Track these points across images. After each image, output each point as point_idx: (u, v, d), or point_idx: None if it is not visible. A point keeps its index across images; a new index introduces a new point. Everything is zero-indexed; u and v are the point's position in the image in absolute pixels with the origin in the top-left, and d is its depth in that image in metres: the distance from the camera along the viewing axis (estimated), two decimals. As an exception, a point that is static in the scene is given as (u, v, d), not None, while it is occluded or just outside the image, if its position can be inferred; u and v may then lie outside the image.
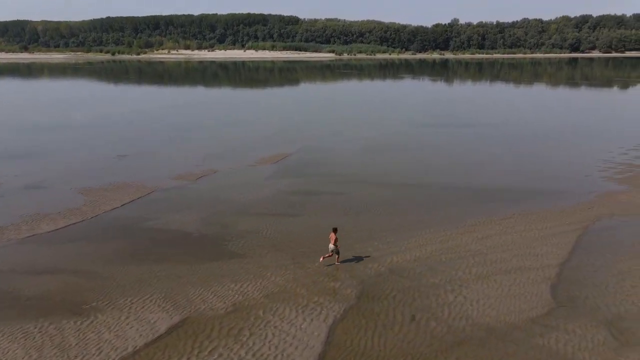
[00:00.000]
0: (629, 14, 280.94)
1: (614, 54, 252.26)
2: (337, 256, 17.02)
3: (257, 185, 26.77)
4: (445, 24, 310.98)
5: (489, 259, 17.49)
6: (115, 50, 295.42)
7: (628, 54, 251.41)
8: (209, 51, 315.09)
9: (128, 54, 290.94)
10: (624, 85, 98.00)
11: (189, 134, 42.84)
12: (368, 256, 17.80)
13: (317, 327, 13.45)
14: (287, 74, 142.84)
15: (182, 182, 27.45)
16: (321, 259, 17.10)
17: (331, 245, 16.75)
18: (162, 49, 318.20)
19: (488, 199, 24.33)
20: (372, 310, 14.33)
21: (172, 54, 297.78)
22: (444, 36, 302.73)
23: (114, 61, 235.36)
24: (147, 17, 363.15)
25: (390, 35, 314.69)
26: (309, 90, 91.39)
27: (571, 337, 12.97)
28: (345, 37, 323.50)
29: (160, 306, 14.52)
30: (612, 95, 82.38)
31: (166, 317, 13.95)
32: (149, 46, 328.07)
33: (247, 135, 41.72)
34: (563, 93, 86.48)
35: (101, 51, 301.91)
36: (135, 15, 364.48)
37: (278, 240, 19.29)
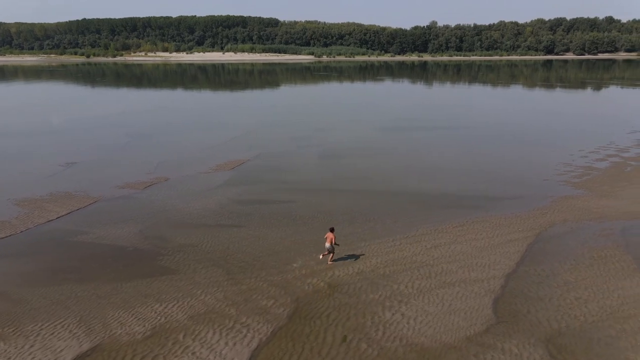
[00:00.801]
0: (601, 17, 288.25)
1: (586, 56, 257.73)
2: (331, 255, 17.20)
3: (206, 194, 25.63)
4: (423, 27, 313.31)
5: (434, 271, 16.75)
6: (90, 52, 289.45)
7: (600, 56, 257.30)
8: (187, 53, 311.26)
9: (104, 56, 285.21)
10: (596, 87, 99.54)
11: (148, 140, 41.38)
12: (309, 270, 16.89)
13: (239, 352, 12.46)
14: (265, 77, 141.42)
15: (128, 192, 26.14)
16: (321, 256, 17.47)
17: (327, 244, 16.87)
18: (140, 51, 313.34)
19: (442, 206, 23.67)
20: (302, 331, 13.41)
21: (150, 56, 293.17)
22: (423, 38, 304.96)
23: (89, 64, 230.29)
24: (125, 18, 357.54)
25: (370, 37, 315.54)
26: (285, 94, 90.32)
27: (507, 357, 12.25)
28: (325, 39, 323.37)
29: (72, 332, 13.34)
30: (582, 97, 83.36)
31: (75, 344, 12.78)
32: (126, 48, 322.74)
33: (210, 140, 40.46)
34: (534, 95, 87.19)
35: (76, 53, 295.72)
36: (112, 17, 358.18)
37: (216, 254, 18.24)
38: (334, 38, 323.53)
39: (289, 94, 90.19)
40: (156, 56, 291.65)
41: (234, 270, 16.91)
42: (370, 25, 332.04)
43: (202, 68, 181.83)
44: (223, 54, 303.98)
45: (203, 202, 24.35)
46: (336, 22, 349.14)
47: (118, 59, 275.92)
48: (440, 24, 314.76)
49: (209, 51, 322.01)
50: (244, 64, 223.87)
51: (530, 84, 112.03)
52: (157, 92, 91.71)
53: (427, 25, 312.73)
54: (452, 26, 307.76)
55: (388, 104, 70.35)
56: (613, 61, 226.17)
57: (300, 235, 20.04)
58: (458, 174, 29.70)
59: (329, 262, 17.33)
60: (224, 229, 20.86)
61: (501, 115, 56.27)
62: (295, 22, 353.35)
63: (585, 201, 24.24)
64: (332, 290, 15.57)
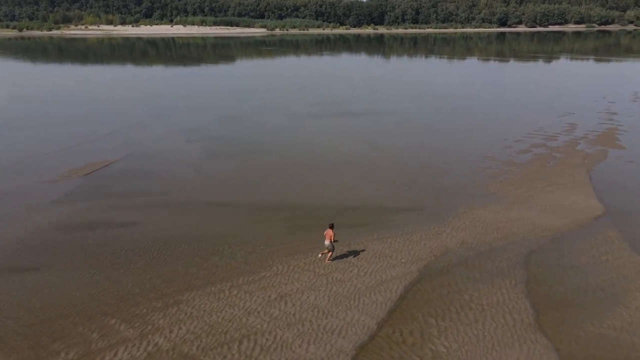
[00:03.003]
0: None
1: (538, 28, 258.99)
2: (330, 253, 16.03)
3: (28, 215, 19.94)
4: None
5: (260, 346, 12.09)
6: (23, 25, 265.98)
7: (551, 28, 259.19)
8: (133, 27, 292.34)
9: (39, 29, 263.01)
10: (544, 60, 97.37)
11: (13, 133, 34.59)
12: (94, 348, 11.88)
13: None
14: (210, 52, 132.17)
15: None
16: (320, 254, 16.36)
17: (327, 242, 15.77)
18: (82, 24, 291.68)
19: (318, 225, 18.97)
20: None
21: (91, 29, 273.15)
22: (379, 10, 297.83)
23: (22, 38, 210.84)
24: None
25: (326, 9, 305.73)
26: (219, 72, 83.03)
27: None
28: (279, 12, 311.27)
29: None
30: (524, 74, 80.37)
31: None
32: (67, 21, 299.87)
33: (83, 134, 34.12)
34: (480, 72, 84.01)
35: (7, 27, 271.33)
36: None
37: (-33, 326, 12.89)
38: (289, 10, 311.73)
39: (217, 73, 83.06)
40: (98, 30, 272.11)
41: (-26, 356, 11.68)
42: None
43: (151, 42, 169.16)
44: (171, 27, 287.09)
45: (12, 228, 18.69)
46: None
47: (54, 32, 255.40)
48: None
49: (157, 24, 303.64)
50: (194, 38, 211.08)
51: (482, 58, 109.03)
52: (85, 69, 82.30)
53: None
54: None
55: (321, 83, 64.98)
56: (563, 33, 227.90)
57: (110, 281, 14.91)
58: (356, 175, 25.08)
59: (327, 262, 16.01)
60: (14, 274, 15.44)
61: (436, 99, 52.16)
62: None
63: (493, 212, 20.19)
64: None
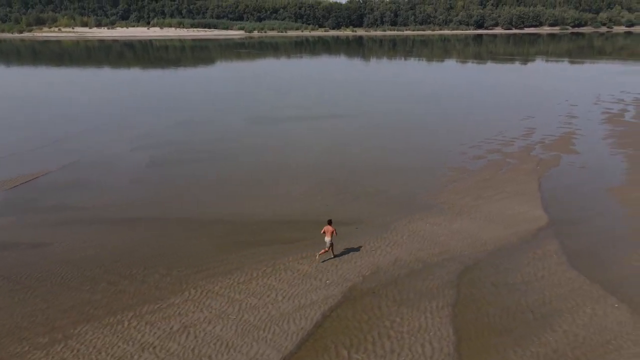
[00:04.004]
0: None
1: (514, 31, 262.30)
2: (331, 248, 16.23)
3: None
4: (359, 0, 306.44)
5: (151, 384, 10.82)
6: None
7: (526, 30, 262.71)
8: (108, 29, 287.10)
9: (10, 31, 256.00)
10: (520, 62, 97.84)
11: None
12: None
13: None
14: (185, 55, 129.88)
15: None
16: (317, 255, 16.24)
17: (327, 238, 15.89)
18: (55, 27, 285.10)
19: (247, 242, 17.76)
20: None
21: (64, 32, 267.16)
22: (358, 12, 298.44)
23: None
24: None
25: (305, 11, 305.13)
26: (191, 75, 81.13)
27: None
28: (258, 14, 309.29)
29: None
30: (500, 75, 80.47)
31: None
32: (41, 23, 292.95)
33: (32, 139, 32.30)
34: (453, 74, 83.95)
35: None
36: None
37: None
38: (268, 12, 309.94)
39: (188, 75, 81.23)
40: (71, 32, 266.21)
41: None
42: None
43: (128, 45, 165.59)
44: (148, 29, 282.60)
45: None
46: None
47: (26, 35, 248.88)
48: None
49: (134, 26, 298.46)
50: (171, 40, 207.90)
51: (459, 60, 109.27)
52: (45, 71, 79.47)
53: (362, 0, 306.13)
54: (387, 0, 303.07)
55: (293, 85, 63.79)
56: (538, 35, 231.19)
57: (-2, 315, 13.45)
58: (303, 185, 23.90)
59: (332, 256, 16.40)
60: None
61: (404, 102, 51.44)
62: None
63: (434, 225, 19.26)
64: None
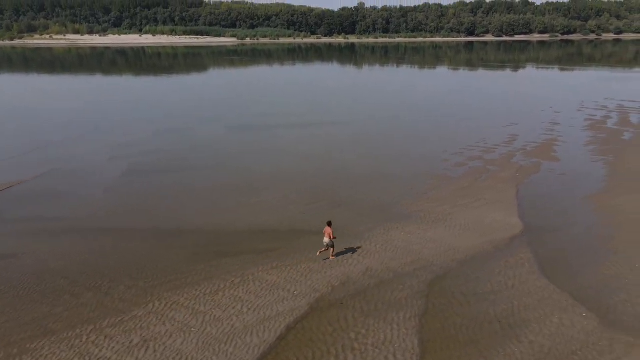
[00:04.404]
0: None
1: (504, 38, 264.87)
2: (332, 249, 16.77)
3: None
4: (351, 8, 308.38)
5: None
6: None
7: (517, 37, 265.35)
8: (100, 36, 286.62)
9: (0, 39, 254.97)
10: (510, 69, 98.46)
11: None
12: None
13: None
14: (176, 62, 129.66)
15: None
16: (318, 253, 16.80)
17: (326, 239, 16.45)
18: (47, 34, 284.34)
19: (221, 252, 17.51)
20: None
21: (55, 39, 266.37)
22: (351, 20, 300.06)
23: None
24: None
25: (298, 19, 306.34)
26: (180, 82, 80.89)
27: None
28: (251, 21, 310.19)
29: None
30: (489, 82, 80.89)
31: None
32: (33, 30, 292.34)
33: (11, 147, 31.92)
34: (445, 80, 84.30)
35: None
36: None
37: None
38: (261, 19, 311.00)
39: (177, 82, 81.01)
40: (63, 39, 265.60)
41: None
42: (300, 5, 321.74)
43: (121, 52, 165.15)
44: (140, 36, 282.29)
45: None
46: (265, 2, 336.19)
47: (17, 42, 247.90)
48: (367, 5, 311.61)
49: (125, 33, 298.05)
50: (164, 47, 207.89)
51: (450, 67, 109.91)
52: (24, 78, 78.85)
53: (355, 7, 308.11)
54: (379, 7, 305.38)
55: (282, 92, 63.75)
56: (528, 42, 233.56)
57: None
58: (280, 192, 23.67)
59: (331, 257, 16.86)
60: None
61: (393, 108, 51.47)
62: (221, 2, 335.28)
63: (409, 233, 19.11)
64: None
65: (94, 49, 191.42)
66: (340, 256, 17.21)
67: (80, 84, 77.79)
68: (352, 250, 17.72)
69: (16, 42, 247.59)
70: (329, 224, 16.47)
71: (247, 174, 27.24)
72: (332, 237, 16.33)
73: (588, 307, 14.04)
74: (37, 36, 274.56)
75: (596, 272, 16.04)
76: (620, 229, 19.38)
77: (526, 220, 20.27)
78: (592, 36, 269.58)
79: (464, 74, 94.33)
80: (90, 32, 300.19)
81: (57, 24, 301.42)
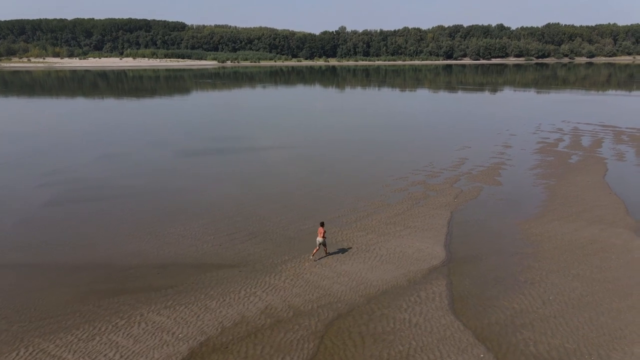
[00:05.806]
0: (493, 24, 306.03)
1: (481, 61, 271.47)
2: (325, 248, 18.19)
3: None
4: (332, 32, 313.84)
5: None
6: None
7: (493, 60, 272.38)
8: (80, 59, 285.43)
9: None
10: (485, 91, 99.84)
11: None
12: None
13: None
14: (154, 84, 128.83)
15: None
16: (311, 255, 18.12)
17: (319, 239, 17.76)
18: (26, 57, 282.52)
19: (112, 290, 16.29)
20: None
21: (33, 62, 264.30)
22: (332, 43, 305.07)
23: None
24: (11, 21, 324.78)
25: (279, 42, 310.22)
26: (144, 105, 79.84)
27: None
28: (233, 44, 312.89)
29: None
30: (458, 104, 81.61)
31: None
32: (11, 53, 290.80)
33: None
34: (411, 103, 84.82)
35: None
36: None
37: None
38: (243, 43, 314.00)
39: (142, 106, 79.96)
40: (40, 62, 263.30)
41: None
42: (283, 29, 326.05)
43: (101, 75, 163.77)
44: (120, 59, 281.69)
45: None
46: (248, 26, 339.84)
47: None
48: (348, 29, 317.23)
49: (106, 56, 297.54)
50: (145, 70, 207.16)
51: (429, 88, 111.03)
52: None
53: (336, 31, 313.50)
54: (360, 31, 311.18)
55: (243, 115, 63.09)
56: (505, 66, 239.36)
57: None
58: (201, 222, 22.57)
59: (326, 254, 18.55)
60: None
61: (349, 131, 51.03)
62: (204, 26, 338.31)
63: (323, 266, 18.14)
64: None
65: (73, 71, 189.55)
66: (243, 292, 16.13)
67: (46, 106, 76.19)
68: (258, 284, 16.66)
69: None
70: (322, 225, 18.02)
71: (175, 201, 26.11)
72: (324, 236, 17.83)
73: (488, 347, 13.15)
74: (15, 59, 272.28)
75: (506, 306, 15.22)
76: (542, 257, 18.71)
77: (452, 249, 19.51)
78: (566, 59, 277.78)
79: (438, 96, 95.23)
80: (71, 55, 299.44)
81: (37, 47, 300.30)
